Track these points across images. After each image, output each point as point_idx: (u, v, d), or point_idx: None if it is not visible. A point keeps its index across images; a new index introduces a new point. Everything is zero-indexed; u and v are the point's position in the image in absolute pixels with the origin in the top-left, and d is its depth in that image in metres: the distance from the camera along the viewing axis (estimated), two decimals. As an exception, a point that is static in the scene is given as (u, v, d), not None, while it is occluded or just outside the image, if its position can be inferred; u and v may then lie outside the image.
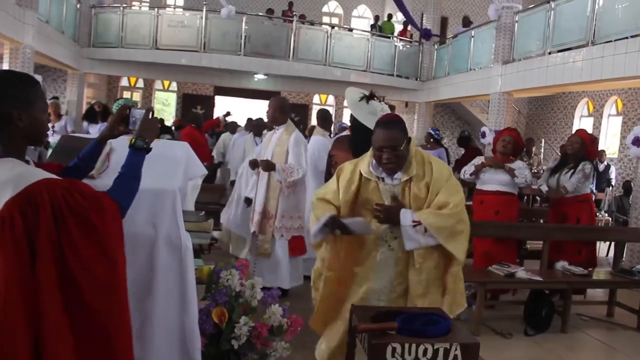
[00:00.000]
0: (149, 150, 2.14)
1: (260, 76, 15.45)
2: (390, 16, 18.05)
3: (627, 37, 8.56)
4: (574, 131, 9.07)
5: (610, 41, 8.89)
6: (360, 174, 2.94)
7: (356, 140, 3.61)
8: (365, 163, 2.96)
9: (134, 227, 2.35)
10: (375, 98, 3.66)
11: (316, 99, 21.07)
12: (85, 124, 8.24)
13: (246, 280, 2.71)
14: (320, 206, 2.97)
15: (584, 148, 5.98)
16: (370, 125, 3.59)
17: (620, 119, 15.45)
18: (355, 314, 2.55)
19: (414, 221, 2.77)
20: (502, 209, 5.53)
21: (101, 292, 1.80)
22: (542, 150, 15.50)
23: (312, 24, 16.43)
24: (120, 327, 1.87)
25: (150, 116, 2.18)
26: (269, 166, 5.16)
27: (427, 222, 2.77)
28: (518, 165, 5.71)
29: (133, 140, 2.10)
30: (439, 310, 2.56)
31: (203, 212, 3.12)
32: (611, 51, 8.75)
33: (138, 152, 2.10)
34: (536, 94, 16.58)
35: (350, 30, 17.57)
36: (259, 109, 14.76)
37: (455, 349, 2.29)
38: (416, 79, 16.29)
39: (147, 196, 2.38)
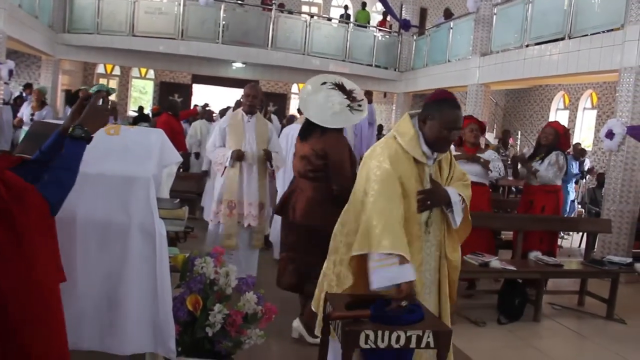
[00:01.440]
0: (89, 140, 1.94)
1: (238, 65, 15.36)
2: (364, 4, 18.01)
3: (602, 32, 8.67)
4: (549, 123, 9.17)
5: (587, 35, 8.99)
6: (402, 150, 2.74)
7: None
8: (413, 147, 2.74)
9: (107, 215, 2.34)
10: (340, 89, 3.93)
11: (294, 88, 21.01)
12: (67, 108, 8.13)
13: (220, 268, 2.71)
14: (397, 234, 2.55)
15: (557, 139, 6.06)
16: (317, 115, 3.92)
17: (595, 112, 15.67)
18: (329, 301, 2.57)
19: (459, 194, 2.88)
20: (472, 199, 5.57)
21: (15, 289, 1.68)
22: (519, 142, 15.68)
23: (291, 12, 16.36)
24: (38, 326, 1.73)
25: (100, 102, 2.00)
26: (268, 155, 5.14)
27: (465, 195, 2.93)
28: (490, 155, 5.76)
29: (71, 129, 1.91)
30: (412, 298, 2.58)
31: (178, 200, 3.09)
32: (587, 45, 8.85)
33: (76, 142, 1.90)
34: (513, 86, 16.74)
35: (329, 19, 17.54)
36: (237, 97, 14.70)
37: (428, 336, 2.31)
38: (395, 70, 16.33)
39: (121, 183, 2.37)
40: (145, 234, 2.34)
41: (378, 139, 5.26)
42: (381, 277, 2.49)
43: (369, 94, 9.19)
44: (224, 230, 5.09)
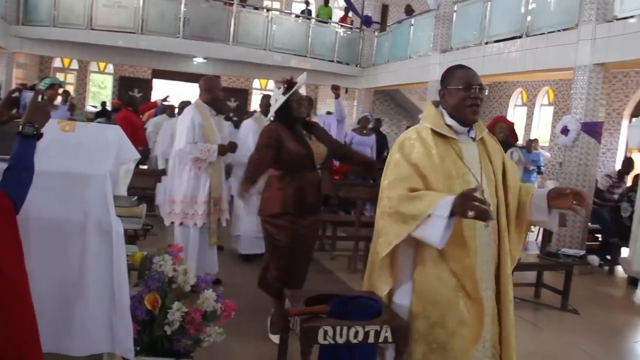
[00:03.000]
0: (39, 136, 1.95)
1: (199, 60, 15.20)
2: (327, 1, 18.05)
3: (559, 30, 8.87)
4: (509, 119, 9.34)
5: (543, 34, 9.18)
6: (433, 133, 2.54)
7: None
8: (437, 123, 2.58)
9: (63, 214, 2.30)
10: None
11: (256, 83, 20.94)
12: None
13: (179, 266, 2.69)
14: (414, 200, 2.38)
15: (509, 134, 6.20)
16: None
17: (551, 108, 16.03)
18: (288, 297, 2.58)
19: None
20: None
21: None
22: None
23: (257, 8, 16.26)
24: (12, 326, 1.74)
25: (39, 98, 2.00)
26: (234, 149, 5.07)
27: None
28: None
29: (21, 127, 1.91)
30: (371, 293, 2.61)
31: (135, 197, 3.06)
32: (544, 43, 9.04)
33: (27, 140, 1.91)
34: (473, 83, 16.95)
35: (292, 15, 17.49)
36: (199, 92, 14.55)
37: (386, 331, 2.35)
38: (356, 66, 16.38)
39: (76, 181, 2.34)
40: (101, 232, 2.31)
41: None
42: (435, 229, 2.29)
43: (335, 89, 9.11)
44: (210, 229, 4.98)
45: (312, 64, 15.12)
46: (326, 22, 16.52)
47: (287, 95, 3.95)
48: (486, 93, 2.57)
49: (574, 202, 2.51)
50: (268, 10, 16.40)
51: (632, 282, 7.18)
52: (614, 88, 13.81)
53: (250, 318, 4.30)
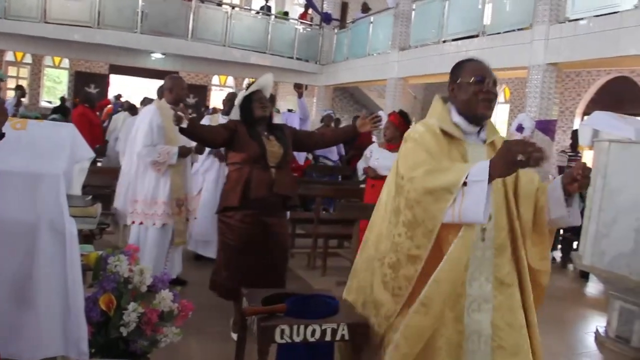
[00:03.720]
0: (1, 136, 1.91)
1: (157, 55, 14.99)
2: (286, 13, 18.02)
3: (514, 30, 9.06)
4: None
5: (499, 33, 9.37)
6: (441, 134, 2.34)
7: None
8: (443, 120, 2.38)
9: (14, 214, 2.25)
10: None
11: (215, 79, 20.78)
12: None
13: (135, 266, 2.66)
14: (442, 172, 2.12)
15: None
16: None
17: (507, 106, 16.35)
18: (245, 297, 2.58)
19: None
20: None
21: None
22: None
23: (219, 4, 16.10)
24: None
25: None
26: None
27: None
28: None
29: None
30: (328, 292, 2.63)
31: (90, 197, 3.01)
32: (500, 42, 9.23)
33: None
34: (431, 80, 17.14)
35: (251, 11, 17.41)
36: (156, 88, 14.35)
37: (343, 329, 2.37)
38: (316, 63, 16.42)
39: (28, 181, 2.28)
40: (54, 233, 2.27)
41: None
42: (476, 197, 2.01)
43: (298, 87, 9.08)
44: (175, 230, 4.88)
45: (272, 60, 15.09)
46: (286, 19, 16.50)
47: (246, 93, 3.94)
48: (499, 89, 2.37)
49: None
50: (232, 7, 16.26)
51: (583, 275, 7.40)
52: (567, 87, 14.17)
53: (211, 317, 4.28)
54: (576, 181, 2.16)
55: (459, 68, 2.40)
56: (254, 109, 3.92)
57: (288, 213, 4.57)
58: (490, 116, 2.36)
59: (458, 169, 2.09)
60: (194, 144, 4.80)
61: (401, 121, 5.79)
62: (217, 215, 3.98)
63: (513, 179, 2.37)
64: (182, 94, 4.94)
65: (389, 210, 2.35)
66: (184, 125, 3.64)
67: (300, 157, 8.31)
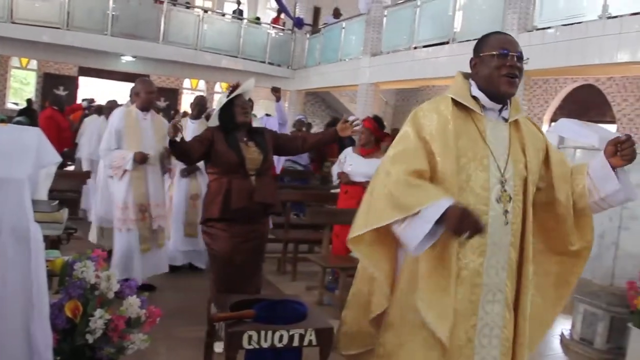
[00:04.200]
0: None
1: (128, 58, 14.86)
2: (258, 19, 18.02)
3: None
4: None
5: (469, 40, 9.49)
6: (454, 104, 2.19)
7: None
8: (462, 93, 2.22)
9: (-24, 219, 2.21)
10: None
11: (186, 83, 20.64)
12: None
13: (102, 272, 2.63)
14: (411, 188, 2.01)
15: None
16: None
17: (477, 112, 16.55)
18: (213, 302, 2.57)
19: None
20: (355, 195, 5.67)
21: None
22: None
23: (188, 7, 16.02)
24: None
25: None
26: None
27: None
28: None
29: None
30: (297, 297, 2.64)
31: (56, 202, 2.97)
32: (470, 49, 9.17)
33: None
34: (402, 86, 17.33)
35: (223, 15, 17.36)
36: (127, 91, 14.17)
37: (310, 334, 2.38)
38: (288, 67, 16.43)
39: (-8, 186, 2.25)
40: (18, 239, 2.23)
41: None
42: (415, 231, 1.95)
43: (276, 91, 8.96)
44: (139, 236, 4.77)
45: (243, 64, 15.07)
46: (258, 23, 16.50)
47: (228, 98, 3.85)
48: (526, 64, 2.22)
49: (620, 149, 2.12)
50: (205, 10, 16.20)
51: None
52: (535, 94, 14.41)
53: (180, 323, 4.25)
54: (617, 153, 2.09)
55: (482, 41, 2.24)
56: (236, 114, 3.82)
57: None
58: (514, 93, 2.19)
59: (424, 195, 1.97)
60: (152, 150, 4.76)
61: (376, 126, 5.81)
62: (201, 226, 3.92)
63: (539, 163, 2.26)
64: (150, 98, 4.89)
65: None
66: (178, 138, 3.53)
67: (280, 163, 8.22)
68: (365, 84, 12.53)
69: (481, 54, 2.19)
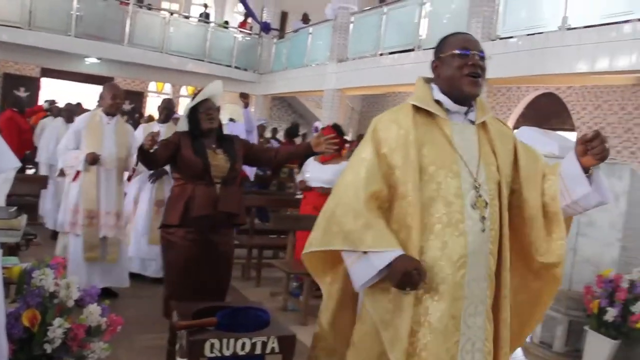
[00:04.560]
0: None
1: (92, 60, 14.62)
2: (227, 22, 17.94)
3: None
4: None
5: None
6: (416, 111, 2.08)
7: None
8: (424, 98, 2.11)
9: None
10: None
11: (152, 86, 20.43)
12: None
13: (61, 280, 2.59)
14: (362, 224, 1.96)
15: None
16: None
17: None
18: (176, 310, 2.56)
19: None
20: (319, 205, 5.68)
21: None
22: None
23: (149, 8, 15.87)
24: None
25: None
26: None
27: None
28: (341, 167, 5.84)
29: None
30: (260, 304, 2.64)
31: (15, 208, 2.92)
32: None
33: None
34: (368, 92, 17.45)
35: (189, 17, 17.24)
36: (91, 94, 13.99)
37: (273, 342, 2.39)
38: (254, 72, 16.40)
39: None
40: (-26, 246, 2.19)
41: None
42: (360, 272, 1.98)
43: (244, 97, 8.86)
44: (84, 243, 4.65)
45: (209, 68, 15.00)
46: (225, 27, 16.44)
47: (192, 103, 3.75)
48: (487, 61, 2.09)
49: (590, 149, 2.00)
50: (171, 13, 16.06)
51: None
52: (498, 101, 14.66)
53: (142, 330, 4.20)
54: (588, 152, 1.99)
55: (442, 42, 2.16)
56: (201, 121, 3.69)
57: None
58: (478, 94, 2.10)
59: (372, 237, 1.93)
60: (110, 155, 4.70)
61: (334, 133, 5.81)
62: (160, 231, 3.81)
63: (510, 163, 2.16)
64: (117, 102, 4.83)
65: None
66: (152, 150, 3.50)
67: (253, 169, 8.15)
68: (331, 89, 12.58)
69: (441, 55, 2.11)
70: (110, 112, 4.81)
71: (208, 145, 3.70)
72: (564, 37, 7.46)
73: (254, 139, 8.61)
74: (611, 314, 4.13)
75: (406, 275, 1.86)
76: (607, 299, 4.20)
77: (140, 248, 5.59)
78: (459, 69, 2.03)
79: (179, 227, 3.60)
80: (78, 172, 4.65)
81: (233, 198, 3.71)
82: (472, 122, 2.12)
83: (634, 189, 4.42)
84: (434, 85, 2.13)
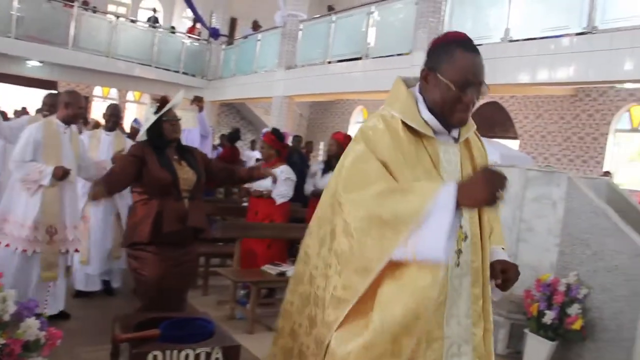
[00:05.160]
0: None
1: (34, 63, 14.21)
2: (173, 28, 17.75)
3: (395, 55, 9.48)
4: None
5: (382, 57, 9.77)
6: (406, 130, 1.82)
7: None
8: (408, 113, 1.84)
9: None
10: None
11: (97, 91, 20.02)
12: None
13: (-3, 293, 2.51)
14: (401, 194, 1.67)
15: (340, 149, 6.41)
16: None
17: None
18: (117, 322, 2.52)
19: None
20: (260, 210, 5.71)
21: None
22: (321, 153, 16.46)
23: (94, 11, 15.55)
24: None
25: None
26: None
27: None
28: (279, 171, 5.84)
29: None
30: (205, 314, 2.63)
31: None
32: (382, 66, 9.62)
33: None
34: (317, 99, 17.54)
35: (137, 22, 16.99)
36: (34, 98, 13.60)
37: (217, 353, 2.38)
38: (202, 78, 16.29)
39: None
40: None
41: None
42: (432, 234, 1.60)
43: (198, 101, 8.62)
44: (41, 261, 4.28)
45: (157, 73, 14.82)
46: (173, 32, 16.27)
47: (158, 114, 3.57)
48: (485, 92, 1.83)
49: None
50: (118, 17, 15.77)
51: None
52: (445, 109, 14.99)
53: (83, 343, 4.11)
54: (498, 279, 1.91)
55: (444, 54, 1.81)
56: (166, 131, 3.55)
57: None
58: (467, 121, 1.88)
59: (421, 192, 1.64)
60: (72, 166, 4.40)
61: (273, 139, 5.82)
62: (126, 249, 3.67)
63: None
64: (79, 112, 4.59)
65: (320, 233, 1.94)
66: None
67: None
68: (279, 96, 12.60)
69: (438, 74, 1.80)
70: (69, 121, 4.51)
71: (171, 156, 3.58)
72: (507, 48, 7.69)
73: (209, 144, 8.36)
74: (549, 316, 4.28)
75: (498, 179, 1.56)
76: (545, 302, 4.34)
77: (98, 263, 5.28)
78: (453, 102, 1.79)
79: (148, 244, 3.46)
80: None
81: (201, 212, 3.64)
82: (455, 140, 1.91)
83: (570, 197, 4.59)
84: (419, 97, 1.87)
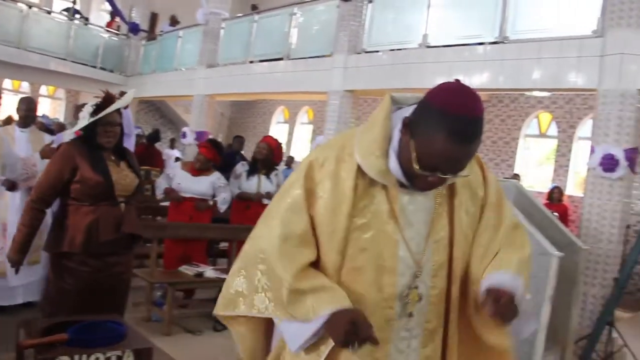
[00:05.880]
0: None
1: None
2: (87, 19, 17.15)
3: (317, 57, 9.57)
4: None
5: (304, 58, 9.84)
6: (358, 175, 1.60)
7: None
8: (368, 157, 1.58)
9: None
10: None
11: (7, 84, 19.05)
12: None
13: None
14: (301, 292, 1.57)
15: (270, 154, 6.43)
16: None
17: (311, 127, 17.12)
18: (22, 328, 2.43)
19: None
20: (195, 215, 5.66)
21: None
22: (243, 153, 16.35)
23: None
24: None
25: None
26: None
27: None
28: (215, 178, 5.83)
29: None
30: (117, 316, 2.56)
31: None
32: (303, 67, 9.70)
33: None
34: (238, 99, 17.43)
35: (50, 12, 16.28)
36: None
37: (128, 356, 2.33)
38: (120, 74, 15.83)
39: None
40: None
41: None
42: (295, 332, 1.60)
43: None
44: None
45: (72, 68, 14.29)
46: (86, 24, 15.71)
47: (94, 119, 3.17)
48: (463, 175, 1.54)
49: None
50: (30, 6, 15.02)
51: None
52: (365, 112, 15.18)
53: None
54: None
55: (431, 121, 1.48)
56: (99, 135, 3.21)
57: None
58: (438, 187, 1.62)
59: (317, 300, 1.55)
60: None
61: (214, 153, 5.86)
62: (50, 255, 3.34)
63: (475, 222, 1.71)
64: (26, 115, 4.63)
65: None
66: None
67: None
68: (200, 95, 12.45)
69: (416, 136, 1.50)
70: (23, 124, 4.65)
71: (107, 157, 3.27)
72: (424, 54, 7.92)
73: (131, 144, 8.08)
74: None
75: (350, 327, 1.47)
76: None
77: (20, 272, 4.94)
78: (423, 176, 1.51)
79: (73, 254, 3.18)
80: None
81: (135, 218, 3.41)
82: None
83: (518, 204, 4.57)
84: (395, 135, 1.59)
